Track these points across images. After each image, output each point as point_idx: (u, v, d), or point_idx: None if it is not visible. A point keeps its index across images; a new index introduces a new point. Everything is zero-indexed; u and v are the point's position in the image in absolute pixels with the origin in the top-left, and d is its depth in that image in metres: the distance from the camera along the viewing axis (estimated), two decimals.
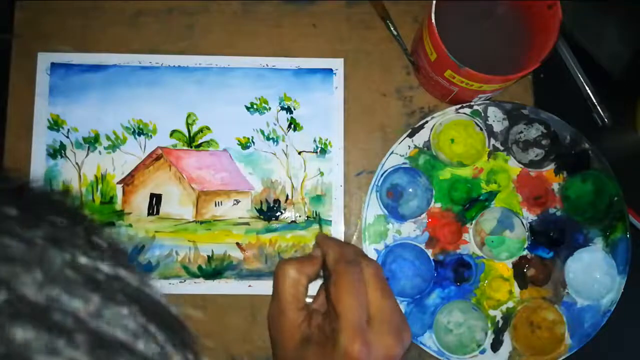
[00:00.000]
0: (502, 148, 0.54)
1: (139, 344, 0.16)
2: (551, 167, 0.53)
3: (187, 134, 0.55)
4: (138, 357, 0.15)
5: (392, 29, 0.56)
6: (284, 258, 0.54)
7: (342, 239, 0.54)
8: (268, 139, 0.55)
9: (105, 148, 0.55)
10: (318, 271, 0.43)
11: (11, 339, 0.13)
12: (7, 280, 0.14)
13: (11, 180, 0.18)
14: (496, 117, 0.54)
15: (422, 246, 0.52)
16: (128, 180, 0.55)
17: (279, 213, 0.55)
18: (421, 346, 0.51)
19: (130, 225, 0.54)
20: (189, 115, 0.55)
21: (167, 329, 0.17)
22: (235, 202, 0.55)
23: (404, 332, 0.40)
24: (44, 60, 0.55)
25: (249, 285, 0.54)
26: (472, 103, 0.54)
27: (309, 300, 0.44)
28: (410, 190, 0.54)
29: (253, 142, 0.55)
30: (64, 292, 0.15)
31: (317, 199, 0.55)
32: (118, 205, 0.54)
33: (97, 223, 0.17)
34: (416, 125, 0.53)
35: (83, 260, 0.16)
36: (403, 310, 0.52)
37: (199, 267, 0.54)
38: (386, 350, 0.38)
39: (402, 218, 0.53)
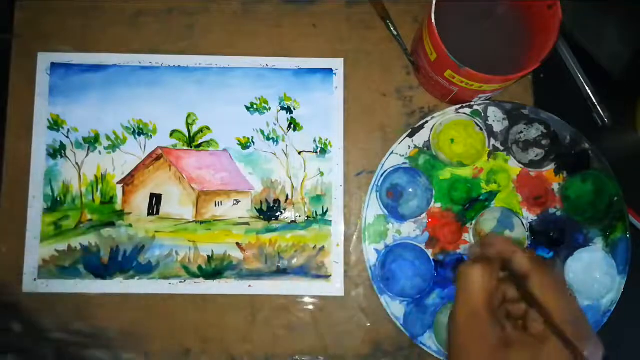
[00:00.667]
0: (502, 148, 0.54)
1: None
2: (551, 167, 0.53)
3: (187, 134, 0.55)
4: None
5: (392, 29, 0.56)
6: (284, 258, 0.54)
7: (342, 239, 0.54)
8: (268, 139, 0.55)
9: (105, 148, 0.55)
10: (499, 271, 0.41)
11: None
12: None
13: None
14: (496, 117, 0.54)
15: (422, 246, 0.52)
16: (128, 180, 0.55)
17: (279, 213, 0.55)
18: (421, 346, 0.51)
19: (130, 225, 0.54)
20: (189, 115, 0.55)
21: None
22: (235, 202, 0.55)
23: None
24: (44, 60, 0.55)
25: (249, 285, 0.54)
26: (472, 103, 0.54)
27: None
28: (410, 190, 0.54)
29: (253, 142, 0.55)
30: None
31: (317, 199, 0.55)
32: (118, 205, 0.54)
33: None
34: (416, 125, 0.53)
35: None
36: (403, 311, 0.52)
37: (199, 267, 0.54)
38: (599, 350, 0.38)
39: (402, 218, 0.53)
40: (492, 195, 0.53)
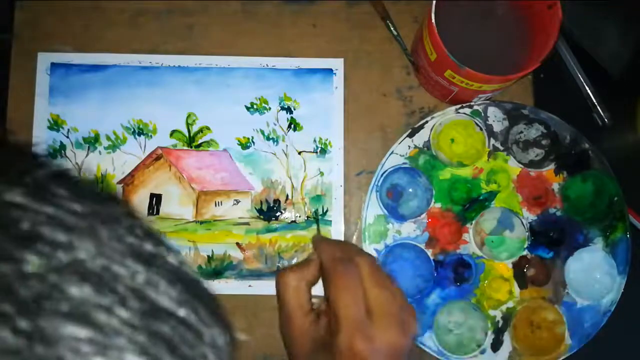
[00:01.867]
0: (502, 148, 0.54)
1: (181, 311, 0.17)
2: (551, 167, 0.53)
3: (187, 134, 0.55)
4: (181, 323, 0.17)
5: (392, 29, 0.56)
6: (284, 258, 0.54)
7: (342, 239, 0.54)
8: (268, 139, 0.55)
9: (105, 148, 0.55)
10: (317, 274, 0.43)
11: (71, 296, 0.15)
12: (67, 245, 0.15)
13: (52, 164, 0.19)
14: (496, 117, 0.54)
15: (422, 246, 0.52)
16: (128, 180, 0.55)
17: (279, 213, 0.55)
18: (421, 346, 0.51)
19: None
20: (189, 115, 0.55)
21: (203, 302, 0.18)
22: (235, 202, 0.55)
23: (408, 322, 0.40)
24: (44, 60, 0.55)
25: (249, 285, 0.54)
26: (472, 103, 0.54)
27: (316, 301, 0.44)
28: (410, 190, 0.54)
29: (253, 142, 0.55)
30: (114, 263, 0.16)
31: (317, 199, 0.55)
32: None
33: (137, 213, 0.19)
34: (416, 125, 0.53)
35: (129, 239, 0.17)
36: None
37: (199, 267, 0.54)
38: (390, 343, 0.38)
39: (402, 218, 0.53)
40: (492, 195, 0.53)
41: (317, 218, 0.54)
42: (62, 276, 0.15)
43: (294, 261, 0.54)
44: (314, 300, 0.43)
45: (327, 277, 0.40)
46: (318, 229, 0.54)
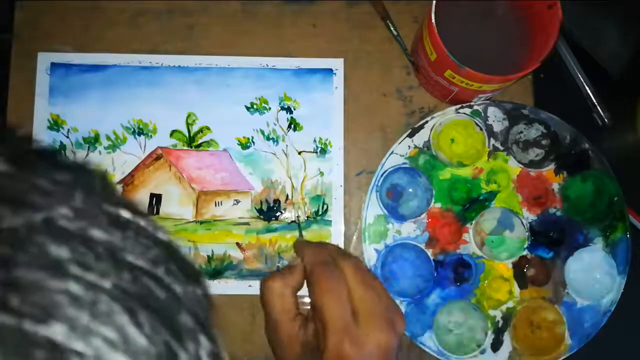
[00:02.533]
0: (502, 148, 0.54)
1: (158, 271, 0.17)
2: (551, 167, 0.53)
3: (187, 134, 0.55)
4: (158, 282, 0.17)
5: (392, 29, 0.56)
6: (284, 258, 0.54)
7: (342, 239, 0.54)
8: (268, 139, 0.55)
9: (105, 148, 0.55)
10: (302, 279, 0.43)
11: (46, 251, 0.15)
12: (43, 207, 0.16)
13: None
14: (496, 117, 0.54)
15: (422, 246, 0.52)
16: (128, 180, 0.55)
17: (279, 213, 0.55)
18: (421, 346, 0.51)
19: None
20: (189, 115, 0.55)
21: (178, 263, 0.18)
22: (235, 202, 0.55)
23: (395, 321, 0.40)
24: (44, 60, 0.55)
25: (249, 285, 0.54)
26: (472, 103, 0.54)
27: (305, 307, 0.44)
28: (410, 190, 0.54)
29: (253, 142, 0.55)
30: (91, 226, 0.16)
31: (317, 199, 0.55)
32: None
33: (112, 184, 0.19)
34: (416, 125, 0.53)
35: (105, 206, 0.17)
36: (403, 310, 0.52)
37: (199, 267, 0.54)
38: (378, 343, 0.38)
39: (402, 218, 0.53)
40: (492, 195, 0.53)
41: (299, 222, 0.54)
42: (36, 232, 0.15)
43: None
44: (305, 300, 0.43)
45: (311, 281, 0.40)
46: (300, 233, 0.54)
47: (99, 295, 0.15)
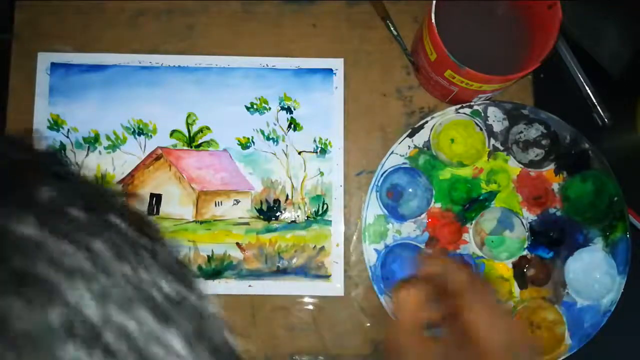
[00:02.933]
0: (502, 148, 0.53)
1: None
2: (551, 167, 0.53)
3: (187, 134, 0.55)
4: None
5: (392, 29, 0.56)
6: (284, 258, 0.54)
7: (342, 239, 0.54)
8: (268, 139, 0.55)
9: (105, 148, 0.55)
10: (433, 292, 0.42)
11: (61, 357, 0.13)
12: (65, 294, 0.14)
13: (74, 175, 0.17)
14: (496, 117, 0.54)
15: (422, 246, 0.52)
16: (128, 180, 0.55)
17: (279, 213, 0.55)
18: None
19: None
20: (189, 115, 0.55)
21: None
22: (235, 202, 0.55)
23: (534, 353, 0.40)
24: (44, 60, 0.55)
25: (249, 285, 0.54)
26: (472, 103, 0.53)
27: None
28: (410, 190, 0.54)
29: (253, 142, 0.55)
30: (120, 311, 0.14)
31: (317, 198, 0.55)
32: None
33: (160, 230, 0.17)
34: (416, 125, 0.53)
35: (144, 275, 0.15)
36: None
37: (199, 267, 0.54)
38: None
39: (402, 218, 0.53)
40: (492, 195, 0.53)
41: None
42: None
43: (294, 261, 0.54)
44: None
45: (466, 300, 0.39)
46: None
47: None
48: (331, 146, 0.55)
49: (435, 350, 0.39)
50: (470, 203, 0.53)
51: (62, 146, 0.55)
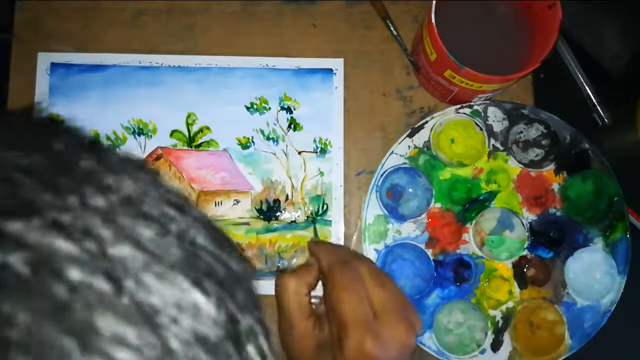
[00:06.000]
0: (502, 148, 0.54)
1: (216, 249, 0.18)
2: (551, 167, 0.53)
3: (187, 134, 0.55)
4: (217, 258, 0.18)
5: (392, 29, 0.56)
6: (284, 258, 0.54)
7: (342, 239, 0.54)
8: (268, 139, 0.55)
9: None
10: (317, 278, 0.43)
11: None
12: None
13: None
14: (496, 117, 0.54)
15: (422, 246, 0.52)
16: None
17: (279, 213, 0.55)
18: (421, 346, 0.51)
19: None
20: (189, 115, 0.55)
21: (228, 243, 0.20)
22: (235, 202, 0.55)
23: (413, 319, 0.40)
24: (44, 60, 0.55)
25: None
26: (472, 103, 0.54)
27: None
28: (410, 190, 0.54)
29: (253, 142, 0.55)
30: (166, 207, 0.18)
31: (317, 199, 0.55)
32: None
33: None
34: (416, 125, 0.53)
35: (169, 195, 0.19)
36: None
37: None
38: (399, 340, 0.38)
39: (402, 218, 0.53)
40: (492, 195, 0.53)
41: (315, 219, 0.54)
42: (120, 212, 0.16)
43: (294, 261, 0.54)
44: (314, 301, 0.43)
45: (329, 280, 0.40)
46: (315, 233, 0.54)
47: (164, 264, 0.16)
48: (331, 146, 0.55)
49: (314, 331, 0.40)
50: (470, 203, 0.53)
51: None
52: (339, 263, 0.41)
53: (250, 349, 0.18)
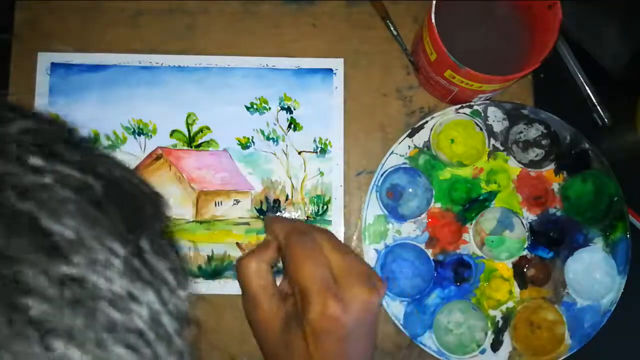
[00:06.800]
0: (502, 148, 0.54)
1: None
2: (551, 167, 0.53)
3: (187, 134, 0.55)
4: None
5: (392, 29, 0.56)
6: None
7: (342, 239, 0.54)
8: (268, 139, 0.55)
9: (105, 148, 0.55)
10: (276, 254, 0.43)
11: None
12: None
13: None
14: (496, 117, 0.54)
15: (422, 246, 0.52)
16: None
17: (279, 213, 0.55)
18: (421, 346, 0.51)
19: None
20: (189, 115, 0.55)
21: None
22: (235, 202, 0.55)
23: (375, 281, 0.40)
24: (44, 60, 0.55)
25: None
26: (472, 103, 0.54)
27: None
28: (410, 190, 0.54)
29: (253, 142, 0.55)
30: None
31: (317, 199, 0.55)
32: None
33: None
34: (416, 125, 0.53)
35: None
36: (403, 311, 0.52)
37: (199, 267, 0.54)
38: (361, 300, 0.38)
39: (402, 218, 0.53)
40: (492, 195, 0.53)
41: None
42: None
43: None
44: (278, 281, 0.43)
45: (287, 252, 0.40)
46: (268, 210, 0.54)
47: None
48: (331, 146, 0.55)
49: (279, 311, 0.40)
50: (470, 203, 0.53)
51: None
52: (296, 234, 0.40)
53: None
